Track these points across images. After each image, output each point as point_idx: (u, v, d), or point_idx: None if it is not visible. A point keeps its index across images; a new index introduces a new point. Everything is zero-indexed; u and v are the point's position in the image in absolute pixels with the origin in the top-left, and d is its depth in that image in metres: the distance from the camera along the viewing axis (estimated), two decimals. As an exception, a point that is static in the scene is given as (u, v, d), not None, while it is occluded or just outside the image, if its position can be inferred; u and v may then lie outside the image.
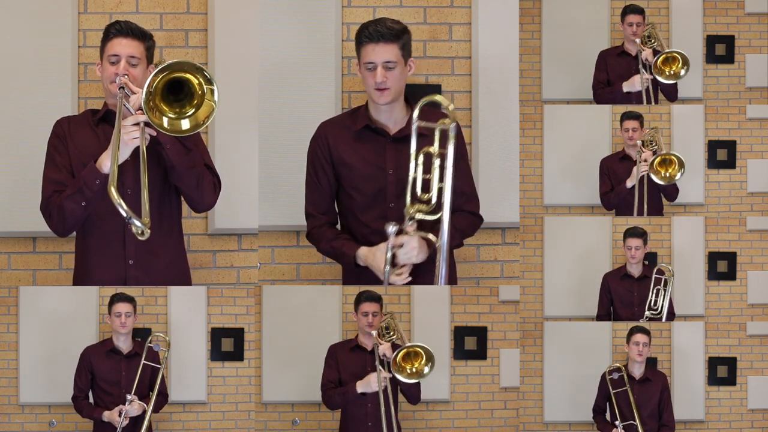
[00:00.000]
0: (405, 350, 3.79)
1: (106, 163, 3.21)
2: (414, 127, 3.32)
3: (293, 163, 4.00)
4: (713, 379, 4.77)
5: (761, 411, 4.77)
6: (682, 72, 4.26)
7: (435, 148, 3.31)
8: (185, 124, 3.10)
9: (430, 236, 3.30)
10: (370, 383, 3.88)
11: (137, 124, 3.15)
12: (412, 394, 3.99)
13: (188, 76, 3.08)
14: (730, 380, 4.77)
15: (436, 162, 3.31)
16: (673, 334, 4.78)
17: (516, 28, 4.23)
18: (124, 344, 4.06)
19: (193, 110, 3.11)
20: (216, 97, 3.09)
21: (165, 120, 3.08)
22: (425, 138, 3.33)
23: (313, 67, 4.14)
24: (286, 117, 4.12)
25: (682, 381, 4.59)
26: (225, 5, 4.08)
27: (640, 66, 4.38)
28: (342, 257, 3.46)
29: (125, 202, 3.27)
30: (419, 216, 3.29)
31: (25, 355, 4.39)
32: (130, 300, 4.04)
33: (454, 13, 4.22)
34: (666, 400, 4.35)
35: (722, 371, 4.77)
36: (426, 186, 3.32)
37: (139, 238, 3.02)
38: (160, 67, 3.05)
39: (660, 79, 4.30)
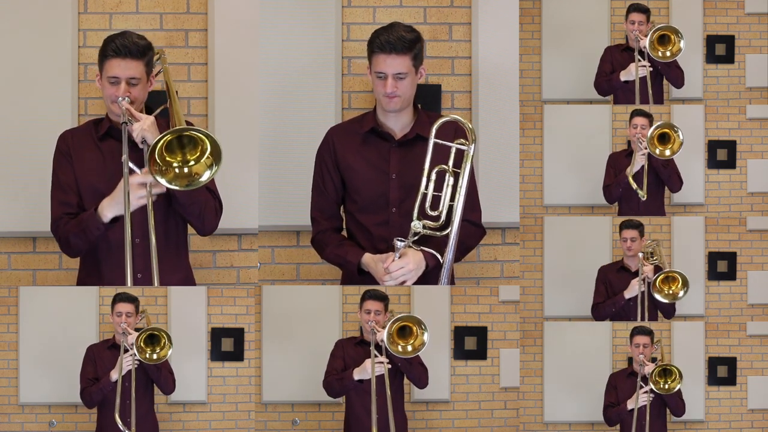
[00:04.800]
0: (397, 326, 3.79)
1: (106, 214, 3.20)
2: (430, 144, 3.32)
3: (293, 163, 4.00)
4: (713, 379, 4.77)
5: (761, 411, 4.77)
6: (682, 44, 4.26)
7: (450, 167, 3.32)
8: (186, 170, 3.07)
9: (438, 256, 3.31)
10: (366, 369, 3.88)
11: (144, 184, 3.13)
12: (416, 376, 3.98)
13: (191, 134, 3.05)
14: (730, 380, 4.76)
15: (450, 180, 3.32)
16: (673, 334, 4.78)
17: (516, 28, 4.23)
18: (126, 343, 4.06)
19: (194, 162, 3.08)
20: (211, 171, 3.04)
21: (175, 170, 3.05)
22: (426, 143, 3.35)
23: (314, 67, 4.14)
24: (287, 117, 4.12)
25: (683, 381, 4.57)
26: (225, 5, 4.08)
27: (636, 54, 4.38)
28: (345, 265, 3.45)
29: (132, 251, 3.17)
30: (425, 231, 3.31)
31: (25, 355, 4.39)
32: (132, 300, 4.04)
33: (454, 13, 4.22)
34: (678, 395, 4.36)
35: (722, 371, 4.77)
36: (435, 202, 3.33)
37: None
38: (164, 134, 3.00)
39: (657, 59, 4.30)
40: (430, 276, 3.36)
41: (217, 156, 3.04)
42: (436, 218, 3.33)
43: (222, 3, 4.08)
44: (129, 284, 3.06)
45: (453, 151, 3.35)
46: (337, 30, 4.15)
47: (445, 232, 3.32)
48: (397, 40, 3.30)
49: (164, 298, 4.45)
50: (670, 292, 4.30)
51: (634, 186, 4.36)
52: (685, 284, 4.28)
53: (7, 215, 4.02)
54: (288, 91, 4.13)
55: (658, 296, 4.29)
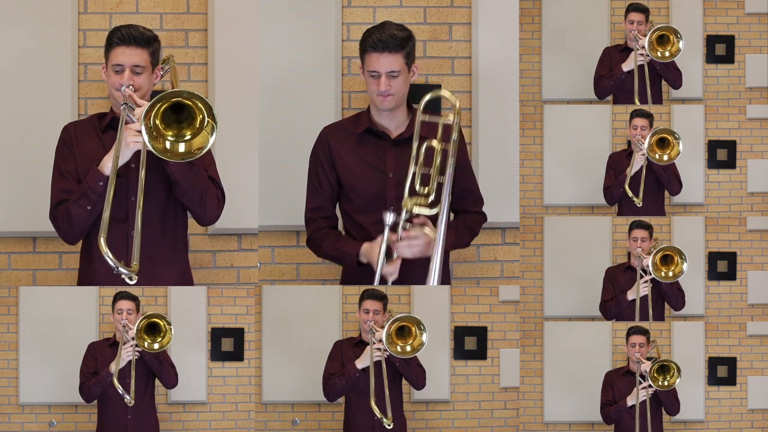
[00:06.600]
0: (396, 326, 3.81)
1: (108, 164, 3.21)
2: (418, 121, 3.33)
3: (294, 163, 4.00)
4: (713, 379, 4.77)
5: (761, 411, 4.77)
6: (681, 44, 4.28)
7: (437, 143, 3.33)
8: (182, 147, 3.09)
9: (430, 234, 3.30)
10: (367, 355, 3.88)
11: (140, 131, 3.14)
12: (414, 377, 3.98)
13: (189, 102, 3.06)
14: (730, 380, 4.77)
15: (438, 157, 3.33)
16: (673, 334, 4.78)
17: (516, 28, 4.23)
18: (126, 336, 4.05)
19: (190, 136, 3.09)
20: (213, 137, 3.06)
21: (167, 143, 3.07)
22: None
23: (314, 67, 4.14)
24: (287, 116, 4.12)
25: (682, 381, 4.58)
26: (225, 5, 4.08)
27: (635, 45, 4.37)
28: (344, 257, 3.45)
29: (128, 209, 3.28)
30: (417, 210, 3.31)
31: (25, 355, 4.40)
32: (133, 298, 4.05)
33: (454, 13, 4.22)
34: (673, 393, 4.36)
35: (722, 371, 4.77)
36: (425, 181, 3.34)
37: (129, 282, 3.02)
38: (159, 96, 3.03)
39: (656, 59, 4.31)
40: (424, 261, 3.34)
41: (214, 118, 3.05)
42: (427, 195, 3.33)
43: (222, 3, 4.08)
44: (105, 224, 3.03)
45: (440, 127, 3.36)
46: (337, 30, 4.16)
47: (435, 210, 3.32)
48: (389, 38, 3.31)
49: (164, 297, 4.45)
50: (671, 273, 4.29)
51: (630, 194, 4.37)
52: (682, 256, 4.26)
53: (7, 215, 4.02)
54: (288, 91, 4.13)
55: (656, 276, 4.26)
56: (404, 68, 3.35)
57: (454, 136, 3.34)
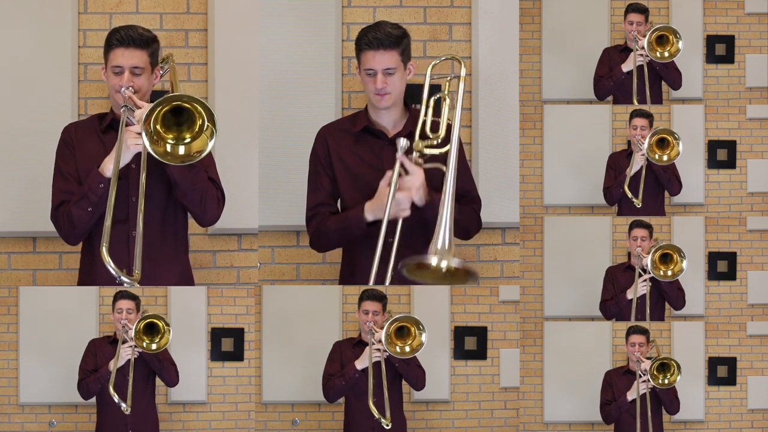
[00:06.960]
0: (395, 326, 3.81)
1: (109, 167, 3.21)
2: (428, 77, 3.37)
3: (294, 163, 4.00)
4: (713, 379, 4.77)
5: (761, 411, 4.77)
6: (680, 44, 4.28)
7: (446, 92, 3.37)
8: (182, 150, 3.09)
9: (441, 166, 3.29)
10: (366, 355, 3.89)
11: (140, 133, 3.14)
12: (413, 377, 3.98)
13: (189, 106, 3.06)
14: (730, 380, 4.77)
15: (447, 101, 3.36)
16: (673, 334, 4.78)
17: (516, 28, 4.23)
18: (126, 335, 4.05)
19: (190, 139, 3.09)
20: (213, 141, 3.06)
21: (167, 146, 3.07)
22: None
23: (314, 67, 4.14)
24: (287, 116, 4.12)
25: (682, 381, 4.59)
26: (225, 5, 4.08)
27: (635, 46, 4.37)
28: (351, 223, 3.36)
29: (129, 210, 3.29)
30: (427, 151, 3.31)
31: (25, 355, 4.40)
32: (133, 298, 4.05)
33: (454, 13, 4.22)
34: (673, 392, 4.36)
35: (722, 371, 4.77)
36: (435, 127, 3.35)
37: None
38: (159, 100, 3.03)
39: (655, 59, 4.31)
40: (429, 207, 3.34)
41: (214, 123, 3.05)
42: (437, 138, 3.35)
43: (222, 3, 4.08)
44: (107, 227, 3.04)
45: (448, 80, 3.40)
46: (337, 30, 4.16)
47: (445, 148, 3.31)
48: (384, 36, 3.34)
49: (164, 297, 4.46)
50: (670, 272, 4.29)
51: (629, 195, 4.37)
52: (681, 254, 4.25)
53: (7, 215, 4.02)
54: (288, 91, 4.13)
55: (655, 275, 4.26)
56: (400, 65, 3.37)
57: (462, 85, 3.36)
